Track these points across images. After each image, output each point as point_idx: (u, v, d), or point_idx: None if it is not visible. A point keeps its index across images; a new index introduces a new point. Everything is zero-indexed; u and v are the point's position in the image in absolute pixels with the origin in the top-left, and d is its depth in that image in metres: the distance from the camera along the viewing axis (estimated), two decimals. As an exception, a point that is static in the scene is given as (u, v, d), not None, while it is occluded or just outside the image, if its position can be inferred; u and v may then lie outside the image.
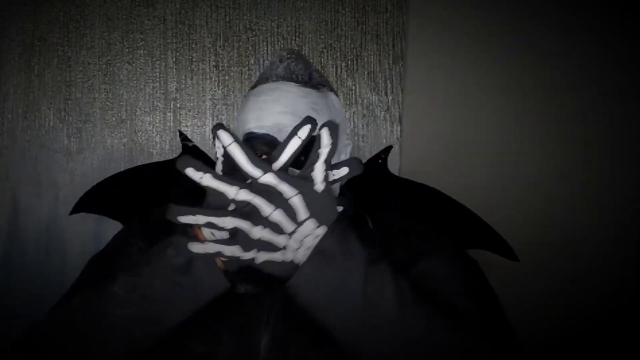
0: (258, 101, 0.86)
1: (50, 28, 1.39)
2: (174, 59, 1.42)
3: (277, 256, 0.66)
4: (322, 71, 1.43)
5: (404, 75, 1.45)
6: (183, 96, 1.42)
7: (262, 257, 0.66)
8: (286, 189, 0.64)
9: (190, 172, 0.62)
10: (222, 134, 0.63)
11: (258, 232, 0.65)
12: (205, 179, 0.63)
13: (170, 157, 1.32)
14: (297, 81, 0.88)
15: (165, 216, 0.63)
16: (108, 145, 1.41)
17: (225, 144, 0.63)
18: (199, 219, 0.63)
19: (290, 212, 0.65)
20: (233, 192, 0.63)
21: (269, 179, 0.63)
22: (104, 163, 1.41)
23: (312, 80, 0.89)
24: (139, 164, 1.40)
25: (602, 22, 1.48)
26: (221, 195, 0.63)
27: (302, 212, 0.65)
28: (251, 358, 0.78)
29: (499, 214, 1.44)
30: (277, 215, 0.65)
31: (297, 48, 1.43)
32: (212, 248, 0.65)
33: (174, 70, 1.42)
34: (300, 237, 0.66)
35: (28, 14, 1.38)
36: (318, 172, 0.65)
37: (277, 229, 0.65)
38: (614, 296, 1.49)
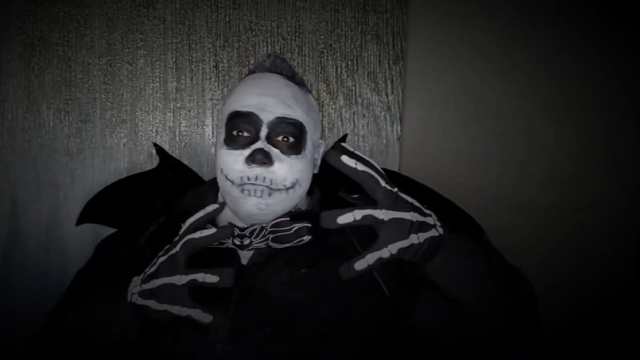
0: (244, 86, 0.94)
1: (50, 28, 1.39)
2: (174, 59, 1.42)
3: (434, 232, 0.75)
4: (322, 71, 1.43)
5: (404, 75, 1.45)
6: (183, 96, 1.42)
7: (423, 236, 0.74)
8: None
9: (346, 159, 0.71)
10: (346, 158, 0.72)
11: (414, 216, 0.74)
12: (360, 165, 0.72)
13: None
14: (281, 74, 0.95)
15: (323, 222, 0.71)
16: (108, 145, 1.41)
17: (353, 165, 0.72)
18: (356, 214, 0.70)
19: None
20: (383, 181, 0.73)
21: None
22: (104, 163, 1.41)
23: (295, 78, 0.96)
24: (139, 163, 1.40)
25: (603, 21, 1.49)
26: (372, 179, 0.72)
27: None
28: (209, 349, 0.81)
29: (499, 212, 1.44)
30: (417, 202, 0.76)
31: (296, 48, 1.43)
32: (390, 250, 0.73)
33: (174, 70, 1.42)
34: (435, 217, 0.78)
35: (28, 14, 1.38)
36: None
37: (421, 212, 0.75)
38: (614, 294, 1.49)
